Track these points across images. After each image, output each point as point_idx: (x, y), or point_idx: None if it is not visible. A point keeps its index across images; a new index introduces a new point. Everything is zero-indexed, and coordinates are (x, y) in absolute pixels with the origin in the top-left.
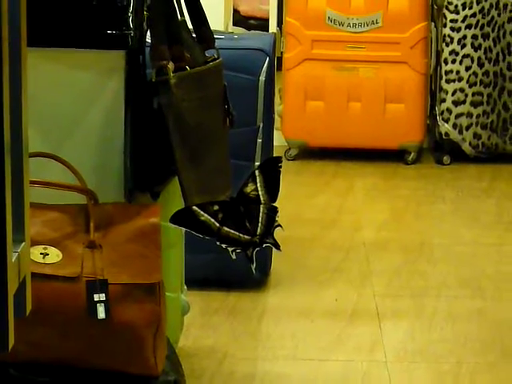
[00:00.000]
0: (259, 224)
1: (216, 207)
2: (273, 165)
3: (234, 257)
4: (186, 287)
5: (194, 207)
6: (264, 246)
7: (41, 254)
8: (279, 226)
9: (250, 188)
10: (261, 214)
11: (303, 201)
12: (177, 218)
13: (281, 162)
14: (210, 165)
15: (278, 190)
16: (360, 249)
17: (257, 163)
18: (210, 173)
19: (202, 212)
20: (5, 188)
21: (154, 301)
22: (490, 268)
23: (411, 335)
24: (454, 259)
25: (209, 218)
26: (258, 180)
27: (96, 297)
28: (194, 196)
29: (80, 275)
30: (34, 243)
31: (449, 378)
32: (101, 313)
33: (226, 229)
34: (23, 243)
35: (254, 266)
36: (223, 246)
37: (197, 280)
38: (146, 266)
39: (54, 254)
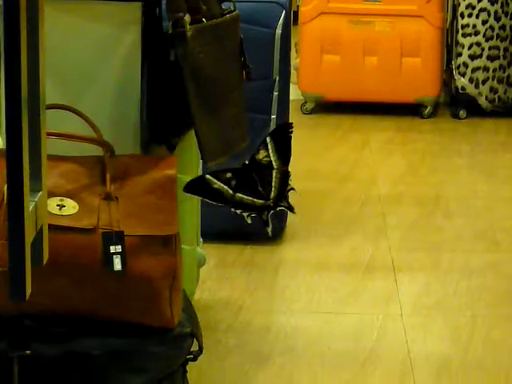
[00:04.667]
0: (272, 188)
1: (229, 174)
2: (284, 131)
3: (249, 221)
4: (202, 240)
5: (207, 175)
6: (278, 209)
7: (57, 205)
8: (292, 189)
9: (262, 155)
10: (273, 179)
11: (319, 155)
12: (190, 187)
13: (291, 127)
14: (226, 117)
15: (290, 155)
16: (375, 202)
17: (273, 116)
18: (227, 125)
19: (215, 180)
20: (22, 138)
21: (170, 253)
22: (506, 221)
23: (427, 289)
24: (469, 213)
25: (222, 185)
26: (269, 146)
27: (112, 248)
28: (211, 148)
29: (96, 227)
30: (51, 195)
31: (464, 332)
32: (117, 264)
33: (240, 195)
34: (40, 192)
35: (269, 229)
36: (238, 211)
37: (213, 233)
38: (162, 217)
39: (71, 206)
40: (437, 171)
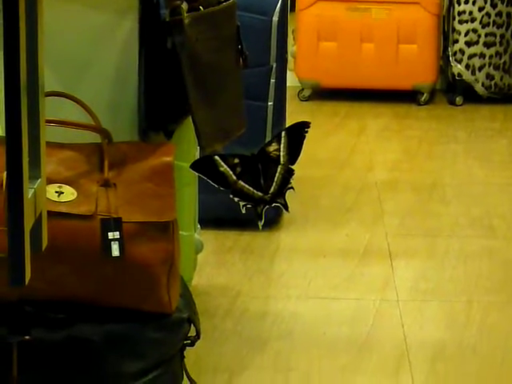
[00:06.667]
0: (274, 183)
1: (236, 160)
2: (300, 128)
3: (243, 211)
4: (199, 226)
5: (216, 157)
6: (273, 205)
7: (56, 192)
8: (292, 188)
9: (272, 147)
10: (277, 174)
11: (316, 141)
12: (197, 166)
13: (309, 126)
14: (223, 104)
15: (299, 154)
16: (372, 189)
17: (270, 103)
18: (224, 112)
19: (222, 162)
20: (21, 126)
21: (167, 239)
22: (502, 207)
23: (423, 274)
24: (465, 199)
25: (227, 169)
26: (282, 141)
27: (110, 235)
28: (208, 135)
29: (94, 213)
30: (49, 182)
31: (460, 317)
32: (115, 251)
33: (242, 183)
34: (39, 180)
35: (261, 223)
36: (235, 199)
37: (211, 219)
38: (160, 204)
39: (69, 193)
40: (433, 158)
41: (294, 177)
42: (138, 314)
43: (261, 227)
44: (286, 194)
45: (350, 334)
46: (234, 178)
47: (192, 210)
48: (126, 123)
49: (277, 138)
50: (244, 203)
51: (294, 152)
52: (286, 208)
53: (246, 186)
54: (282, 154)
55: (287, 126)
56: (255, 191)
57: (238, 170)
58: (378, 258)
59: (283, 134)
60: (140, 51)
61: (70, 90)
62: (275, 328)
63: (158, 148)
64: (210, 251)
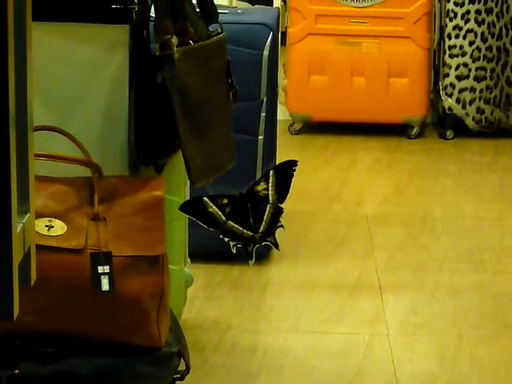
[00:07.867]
0: (263, 222)
1: (225, 200)
2: (288, 167)
3: (234, 251)
4: (189, 260)
5: (205, 198)
6: (264, 243)
7: (46, 226)
8: (281, 226)
9: (261, 186)
10: (266, 213)
11: (307, 175)
12: (186, 207)
13: (296, 165)
14: (213, 138)
15: (288, 193)
16: (363, 222)
17: (260, 137)
18: (214, 146)
19: (211, 203)
20: (10, 160)
21: (157, 273)
22: (492, 242)
23: (413, 308)
24: (455, 233)
25: (216, 210)
26: (270, 180)
27: (100, 269)
28: (198, 169)
29: (84, 247)
30: (39, 215)
31: (450, 351)
32: (105, 285)
33: (231, 223)
34: (28, 214)
35: (252, 262)
36: (225, 239)
37: (200, 253)
38: (149, 238)
39: (59, 227)
40: (424, 191)
41: (283, 215)
42: (128, 348)
43: (251, 265)
44: (276, 232)
45: (341, 368)
46: (224, 218)
47: (182, 244)
48: (116, 157)
49: (265, 177)
50: (234, 243)
51: (282, 191)
52: (277, 246)
53: (236, 226)
54: (270, 192)
55: (276, 163)
56: (245, 231)
57: (227, 210)
58: (368, 292)
59: (271, 172)
60: (130, 85)
61: (60, 124)
62: (265, 362)
63: (148, 182)
64: (200, 285)
